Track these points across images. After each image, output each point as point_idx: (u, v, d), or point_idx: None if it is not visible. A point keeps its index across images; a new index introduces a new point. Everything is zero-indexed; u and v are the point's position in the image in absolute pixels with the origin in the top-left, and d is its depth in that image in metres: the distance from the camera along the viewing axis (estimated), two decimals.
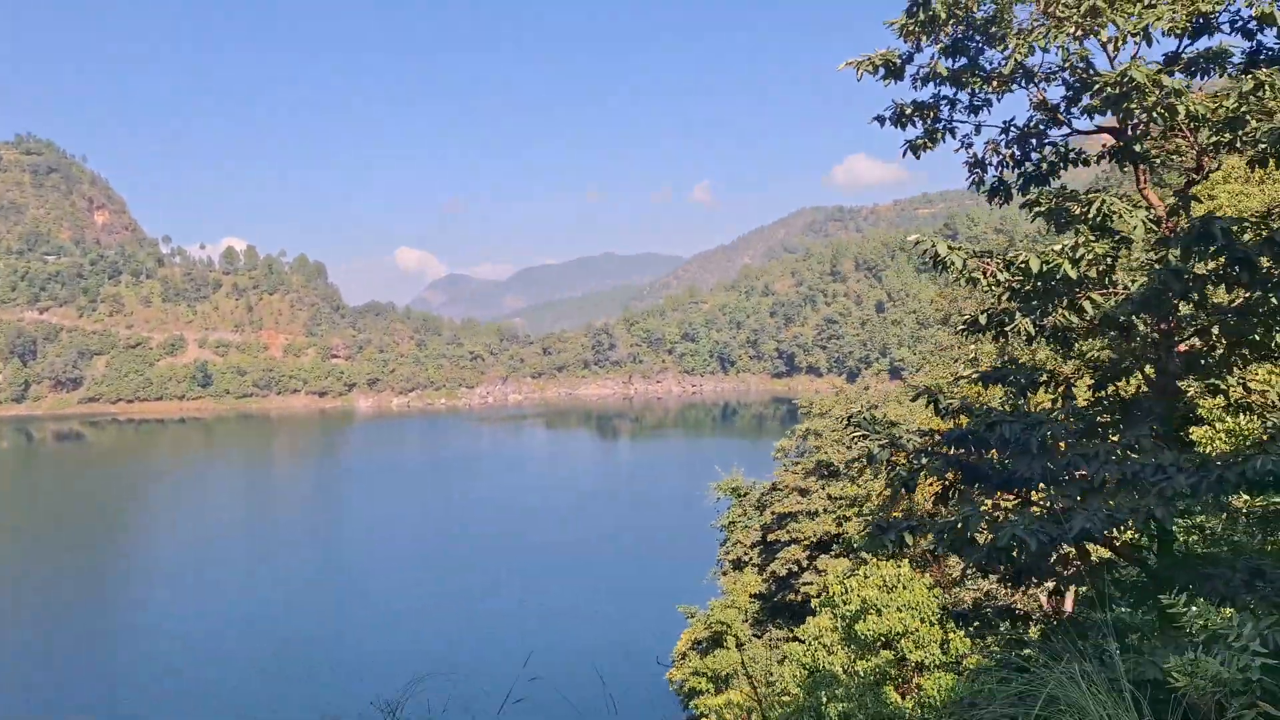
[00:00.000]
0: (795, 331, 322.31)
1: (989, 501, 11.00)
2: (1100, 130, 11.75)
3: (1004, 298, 11.45)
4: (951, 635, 22.98)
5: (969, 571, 24.62)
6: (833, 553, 42.11)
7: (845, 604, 25.07)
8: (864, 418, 11.72)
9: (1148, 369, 11.23)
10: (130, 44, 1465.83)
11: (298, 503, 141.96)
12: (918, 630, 23.24)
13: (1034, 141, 12.15)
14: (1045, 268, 10.33)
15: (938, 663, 22.64)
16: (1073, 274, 10.24)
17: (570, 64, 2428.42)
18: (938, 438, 11.19)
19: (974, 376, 11.92)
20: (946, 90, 11.87)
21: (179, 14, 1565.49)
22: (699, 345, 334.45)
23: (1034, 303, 11.08)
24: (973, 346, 38.32)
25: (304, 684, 59.47)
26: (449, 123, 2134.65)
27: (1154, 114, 10.10)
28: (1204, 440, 16.45)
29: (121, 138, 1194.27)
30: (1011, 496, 11.16)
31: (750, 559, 47.68)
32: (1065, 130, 11.85)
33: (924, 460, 11.02)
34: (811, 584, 41.53)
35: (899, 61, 11.50)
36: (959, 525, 10.26)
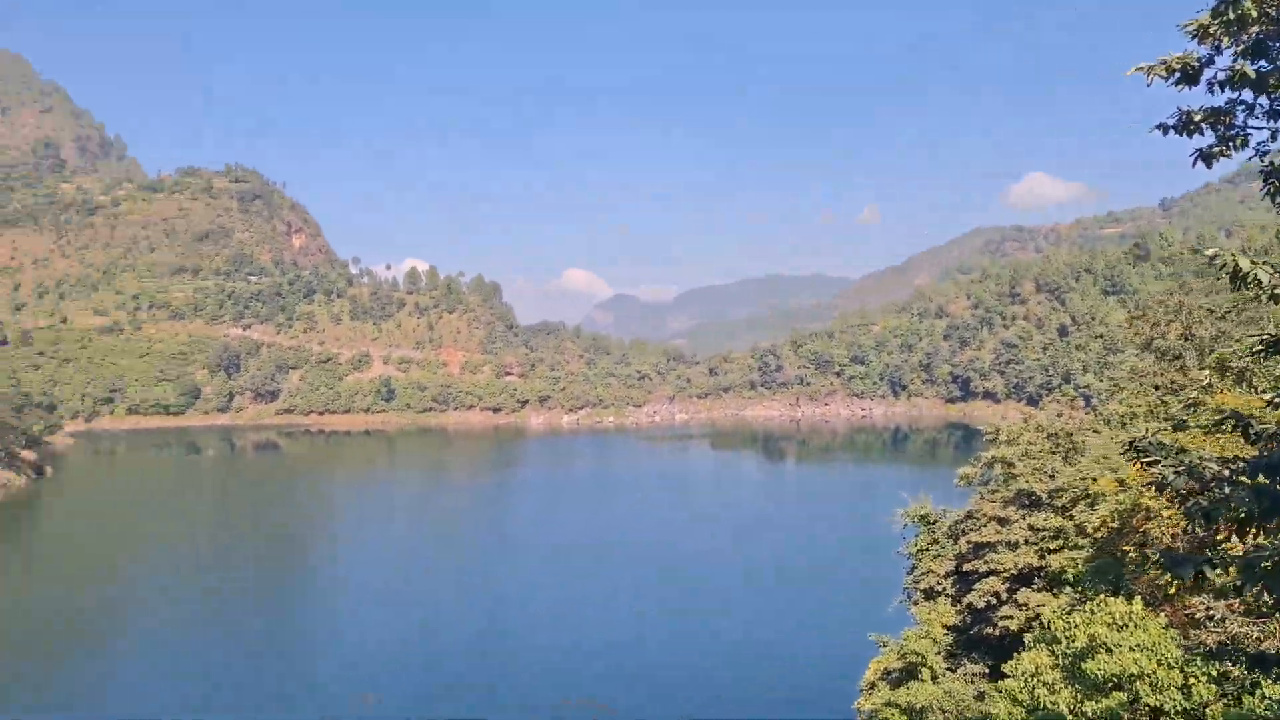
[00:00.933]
0: (971, 355, 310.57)
1: None
2: None
3: None
4: (1193, 681, 21.41)
5: (1214, 612, 22.89)
6: (1034, 586, 40.13)
7: (1069, 640, 23.76)
8: (1151, 442, 11.05)
9: None
10: (323, 79, 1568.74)
11: (469, 512, 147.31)
12: (1154, 672, 21.77)
13: None
14: None
15: (1179, 708, 21.12)
16: None
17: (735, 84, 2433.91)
18: (1241, 464, 10.41)
19: (1277, 400, 11.00)
20: (1245, 95, 11.13)
21: (362, 51, 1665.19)
22: (869, 368, 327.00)
23: None
24: (1205, 373, 36.06)
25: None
26: (612, 147, 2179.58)
27: None
28: None
29: (316, 165, 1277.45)
30: None
31: (943, 589, 45.98)
32: None
33: (1226, 489, 10.27)
34: (1011, 618, 39.67)
35: (1197, 65, 10.86)
36: (1276, 560, 9.51)
